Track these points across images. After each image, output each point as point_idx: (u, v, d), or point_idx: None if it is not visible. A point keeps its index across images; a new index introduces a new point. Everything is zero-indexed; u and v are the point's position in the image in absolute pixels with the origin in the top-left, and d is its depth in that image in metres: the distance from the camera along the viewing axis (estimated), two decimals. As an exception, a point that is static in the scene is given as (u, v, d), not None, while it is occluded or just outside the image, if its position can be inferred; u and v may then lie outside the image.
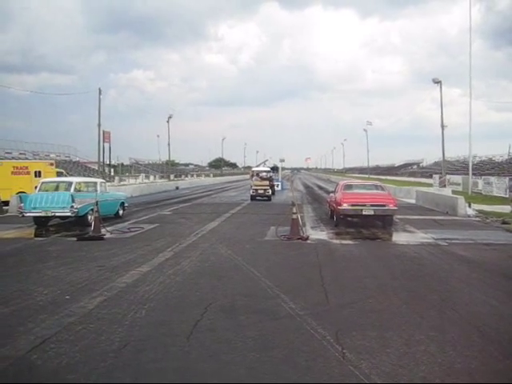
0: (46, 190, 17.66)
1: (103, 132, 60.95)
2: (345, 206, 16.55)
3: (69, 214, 16.51)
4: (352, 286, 8.57)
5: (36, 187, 18.50)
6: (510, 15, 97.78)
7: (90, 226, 15.36)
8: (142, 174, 72.95)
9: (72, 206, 16.37)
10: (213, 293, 7.95)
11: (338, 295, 7.89)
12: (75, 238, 14.09)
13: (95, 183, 19.45)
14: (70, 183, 18.08)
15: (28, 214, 16.68)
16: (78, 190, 17.61)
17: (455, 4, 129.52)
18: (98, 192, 17.86)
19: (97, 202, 15.04)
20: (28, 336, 5.83)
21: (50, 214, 16.60)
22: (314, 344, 5.60)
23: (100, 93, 57.56)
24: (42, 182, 18.45)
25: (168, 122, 74.76)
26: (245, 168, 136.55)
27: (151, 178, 71.12)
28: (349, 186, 19.35)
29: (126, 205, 21.08)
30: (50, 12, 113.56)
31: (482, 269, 9.95)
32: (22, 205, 16.79)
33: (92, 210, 16.15)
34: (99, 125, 58.60)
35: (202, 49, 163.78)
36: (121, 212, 20.39)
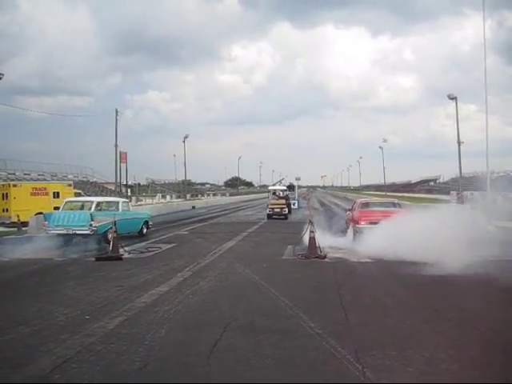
0: (71, 209, 18.48)
1: (120, 153, 61.44)
2: (362, 223, 16.55)
3: (88, 232, 16.92)
4: (371, 304, 8.52)
5: (56, 207, 18.99)
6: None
7: (109, 243, 15.39)
8: (159, 194, 73.26)
9: (91, 225, 16.84)
10: (232, 312, 7.95)
11: (357, 314, 7.84)
12: (94, 259, 14.21)
13: (117, 202, 20.23)
14: (92, 202, 18.85)
15: (51, 232, 17.18)
16: (99, 210, 18.16)
17: (467, 20, 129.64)
18: (120, 211, 18.88)
19: (115, 222, 15.15)
20: (50, 356, 5.89)
21: (71, 232, 17.04)
22: (334, 363, 5.58)
23: (117, 113, 58.22)
24: (66, 201, 19.40)
25: (184, 141, 75.19)
26: (261, 187, 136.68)
27: (168, 197, 71.39)
28: (365, 204, 19.43)
29: (150, 223, 21.64)
30: (67, 35, 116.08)
31: (500, 288, 9.76)
32: (46, 223, 17.35)
33: (108, 227, 16.57)
34: (116, 145, 59.07)
35: (215, 69, 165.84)
36: (145, 230, 20.89)
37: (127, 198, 56.88)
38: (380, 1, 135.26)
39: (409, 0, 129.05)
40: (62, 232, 17.08)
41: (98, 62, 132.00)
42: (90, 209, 18.01)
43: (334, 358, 5.74)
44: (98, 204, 18.73)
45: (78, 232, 17.08)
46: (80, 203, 19.92)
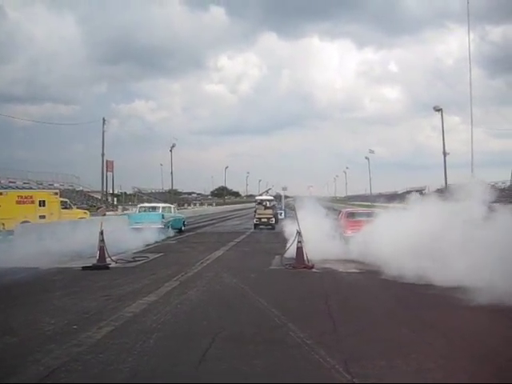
0: (144, 211, 26.58)
1: (106, 161, 61.28)
2: (349, 233, 16.74)
3: (161, 226, 24.29)
4: (359, 314, 8.55)
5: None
6: (502, 44, 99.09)
7: (170, 234, 24.89)
8: (145, 203, 72.97)
9: (162, 221, 24.77)
10: (220, 322, 7.94)
11: (346, 324, 7.85)
12: (80, 268, 14.10)
13: (170, 207, 29.28)
14: (158, 207, 27.28)
15: (133, 227, 23.39)
16: (163, 212, 26.23)
17: (450, 33, 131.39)
18: (172, 213, 27.89)
19: (102, 231, 15.05)
20: (37, 366, 5.83)
21: (147, 227, 22.95)
22: (323, 372, 5.59)
23: (104, 122, 58.16)
24: (140, 206, 28.66)
25: (171, 151, 75.12)
26: (247, 196, 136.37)
27: (154, 207, 71.07)
28: (351, 214, 19.62)
29: (185, 222, 30.01)
30: (53, 43, 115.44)
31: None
32: (130, 220, 25.11)
33: (171, 223, 26.12)
34: (103, 154, 59.11)
35: (202, 79, 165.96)
36: (183, 228, 29.14)
37: (113, 207, 56.68)
38: (363, 14, 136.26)
39: (392, 13, 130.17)
40: (140, 227, 23.02)
41: (84, 71, 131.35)
42: (159, 211, 26.14)
43: (323, 368, 5.75)
44: (163, 208, 27.10)
45: (152, 226, 23.33)
46: (148, 207, 27.94)
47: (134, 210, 31.20)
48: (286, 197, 46.03)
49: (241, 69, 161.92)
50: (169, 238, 24.44)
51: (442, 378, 5.46)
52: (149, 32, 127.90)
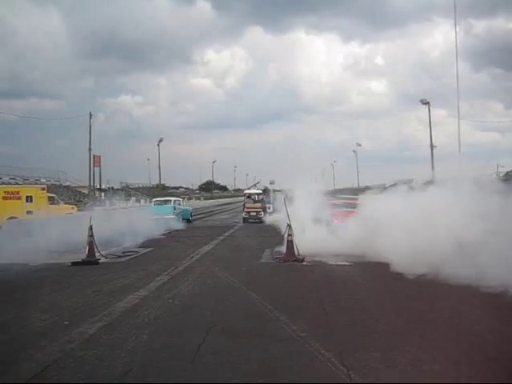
0: (159, 204, 30.62)
1: (93, 156, 60.90)
2: (335, 222, 16.92)
3: (172, 216, 28.23)
4: (351, 307, 8.54)
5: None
6: (486, 38, 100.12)
7: (181, 223, 28.45)
8: (133, 198, 72.60)
9: (174, 212, 28.89)
10: (213, 316, 7.90)
11: (339, 316, 7.86)
12: (70, 263, 13.99)
13: (180, 200, 33.95)
14: (170, 200, 31.63)
15: (152, 218, 25.77)
16: (174, 204, 30.64)
17: (435, 27, 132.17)
18: (182, 205, 32.61)
19: (91, 226, 14.94)
20: (29, 363, 5.76)
21: (161, 217, 26.52)
22: (318, 366, 5.58)
23: (91, 117, 57.76)
24: (155, 200, 32.79)
25: (158, 145, 74.86)
26: (235, 190, 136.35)
27: (142, 201, 70.76)
28: (336, 205, 19.95)
29: (192, 214, 34.38)
30: (38, 37, 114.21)
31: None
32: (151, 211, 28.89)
33: (181, 214, 30.59)
34: (90, 149, 58.76)
35: (188, 73, 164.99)
36: (190, 218, 33.52)
37: (101, 202, 56.48)
38: (349, 7, 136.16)
39: (377, 7, 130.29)
40: (156, 217, 25.99)
41: (69, 65, 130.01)
42: (171, 204, 30.42)
43: (319, 360, 5.74)
44: (174, 201, 31.32)
45: (166, 217, 27.20)
46: (162, 200, 32.10)
47: (123, 205, 36.37)
48: (274, 190, 45.98)
49: (227, 63, 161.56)
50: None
51: (437, 368, 5.47)
52: (134, 26, 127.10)
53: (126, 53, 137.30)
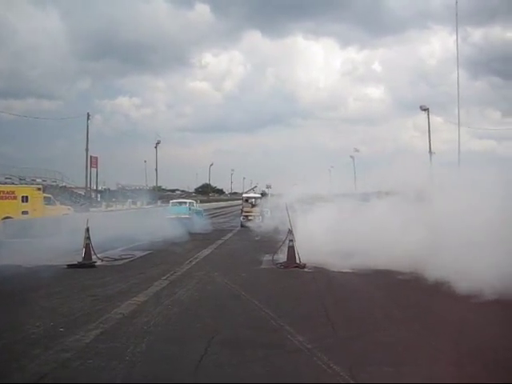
0: (175, 205, 33.54)
1: (91, 157, 60.51)
2: None
3: (188, 216, 29.82)
4: (358, 316, 8.27)
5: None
6: (483, 46, 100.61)
7: (194, 223, 28.39)
8: (129, 200, 72.20)
9: (189, 213, 30.73)
10: (214, 324, 7.59)
11: (345, 327, 7.57)
12: (65, 265, 13.65)
13: (193, 202, 37.41)
14: (186, 202, 35.34)
15: (169, 217, 28.45)
16: (189, 205, 33.63)
17: (433, 34, 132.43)
18: (195, 206, 35.66)
19: (88, 228, 14.61)
20: (22, 374, 5.45)
21: (177, 217, 28.35)
22: (328, 381, 5.28)
23: (88, 118, 57.37)
24: (172, 202, 36.21)
25: (156, 147, 74.52)
26: (231, 194, 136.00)
27: (138, 203, 70.39)
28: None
29: (204, 214, 36.20)
30: (36, 38, 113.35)
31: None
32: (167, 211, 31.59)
33: (194, 213, 32.33)
34: (87, 150, 58.32)
35: (187, 76, 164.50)
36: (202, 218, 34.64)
37: (97, 203, 56.13)
38: (347, 13, 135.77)
39: (375, 13, 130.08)
40: (173, 217, 28.29)
41: (68, 66, 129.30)
42: (186, 205, 33.37)
43: (328, 375, 5.43)
44: (189, 203, 34.70)
45: (182, 216, 28.96)
46: (178, 202, 35.72)
47: (120, 206, 35.22)
48: (272, 195, 45.67)
49: (225, 66, 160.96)
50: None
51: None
52: (133, 28, 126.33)
53: (125, 55, 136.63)
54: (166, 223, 26.39)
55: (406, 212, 13.64)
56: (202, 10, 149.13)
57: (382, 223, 14.27)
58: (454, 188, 12.73)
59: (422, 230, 12.37)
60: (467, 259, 9.79)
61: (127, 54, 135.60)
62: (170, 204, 35.55)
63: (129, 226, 23.09)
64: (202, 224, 29.47)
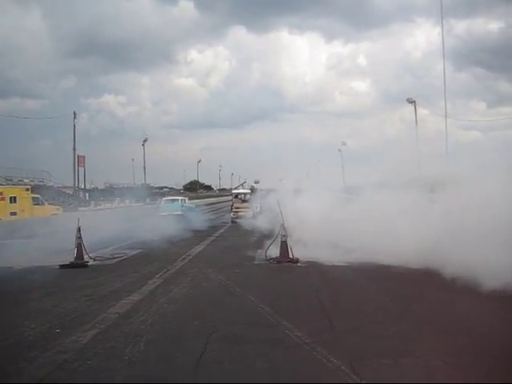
0: (168, 202, 33.72)
1: (78, 156, 60.09)
2: None
3: (180, 212, 30.36)
4: (353, 310, 8.29)
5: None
6: (467, 38, 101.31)
7: (188, 218, 28.29)
8: (118, 198, 71.79)
9: (181, 209, 31.40)
10: (212, 321, 7.56)
11: (342, 320, 7.57)
12: (58, 266, 13.54)
13: (185, 199, 36.51)
14: (178, 199, 35.02)
15: (161, 214, 29.77)
16: (182, 202, 33.87)
17: (417, 27, 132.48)
18: (186, 203, 35.11)
19: (79, 227, 14.50)
20: (20, 377, 5.41)
21: (170, 213, 28.99)
22: (329, 375, 5.29)
23: (75, 117, 56.96)
24: (165, 199, 36.24)
25: (143, 145, 74.18)
26: (220, 190, 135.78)
27: (127, 202, 70.03)
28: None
29: (196, 210, 37.40)
30: (19, 36, 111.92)
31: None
32: (159, 209, 32.43)
33: (187, 209, 32.61)
34: (74, 149, 57.94)
35: (172, 73, 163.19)
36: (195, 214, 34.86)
37: (85, 202, 55.82)
38: (331, 8, 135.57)
39: (359, 7, 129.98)
40: (165, 214, 29.26)
41: (52, 65, 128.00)
42: (179, 202, 33.68)
43: (328, 369, 5.44)
44: (181, 200, 34.61)
45: (174, 213, 29.46)
46: (171, 199, 35.42)
47: (108, 205, 35.85)
48: (261, 190, 45.58)
49: (211, 62, 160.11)
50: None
51: (453, 375, 5.20)
52: (117, 25, 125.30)
53: (109, 52, 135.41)
54: (158, 220, 26.24)
55: (393, 204, 13.78)
56: (186, 7, 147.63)
57: (367, 216, 14.47)
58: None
59: (413, 221, 12.47)
60: (467, 252, 9.80)
61: (112, 52, 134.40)
62: (163, 201, 35.65)
63: (119, 225, 22.98)
64: (195, 220, 28.71)
